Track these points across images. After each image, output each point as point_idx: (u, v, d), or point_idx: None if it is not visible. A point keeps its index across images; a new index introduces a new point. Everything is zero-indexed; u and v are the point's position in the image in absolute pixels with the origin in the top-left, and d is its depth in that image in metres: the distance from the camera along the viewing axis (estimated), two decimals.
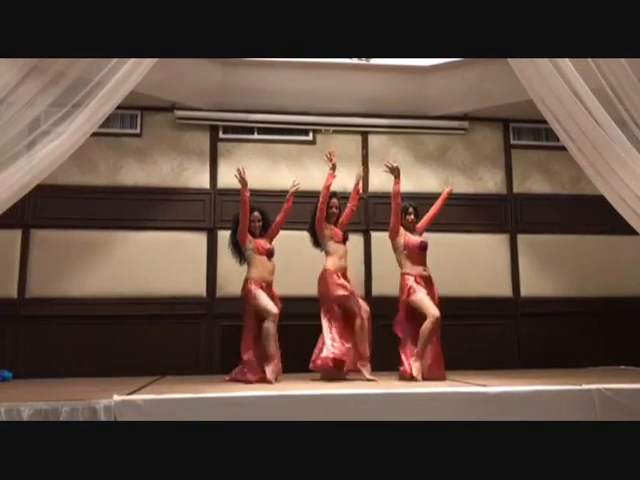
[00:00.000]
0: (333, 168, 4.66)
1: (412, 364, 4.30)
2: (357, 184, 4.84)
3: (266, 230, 4.63)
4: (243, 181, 4.39)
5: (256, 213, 4.57)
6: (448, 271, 5.24)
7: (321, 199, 4.56)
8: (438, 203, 4.81)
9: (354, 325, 4.43)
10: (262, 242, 4.52)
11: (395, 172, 4.53)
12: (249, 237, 4.48)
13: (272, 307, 4.28)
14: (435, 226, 4.88)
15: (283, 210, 4.62)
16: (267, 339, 4.22)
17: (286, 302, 4.56)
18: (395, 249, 4.62)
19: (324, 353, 4.30)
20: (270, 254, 4.51)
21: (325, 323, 4.41)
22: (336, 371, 4.34)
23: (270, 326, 4.23)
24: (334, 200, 4.69)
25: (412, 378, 4.24)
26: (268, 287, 4.44)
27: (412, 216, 4.67)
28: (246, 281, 4.42)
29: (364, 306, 4.52)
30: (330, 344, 4.31)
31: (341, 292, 4.43)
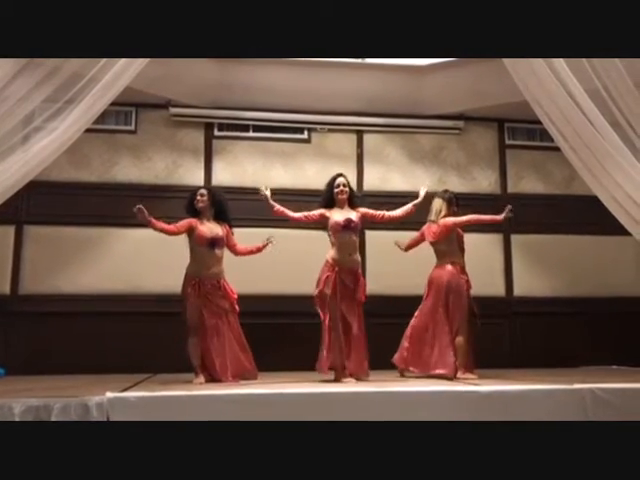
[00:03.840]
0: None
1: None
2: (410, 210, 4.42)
3: (222, 214, 4.34)
4: (146, 220, 4.05)
5: (202, 190, 4.33)
6: None
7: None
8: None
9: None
10: (206, 230, 4.19)
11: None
12: (194, 223, 4.19)
13: (194, 323, 4.08)
14: None
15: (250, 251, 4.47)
16: (190, 353, 4.10)
17: (290, 300, 4.53)
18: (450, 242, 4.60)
19: (319, 361, 4.17)
20: (212, 245, 4.15)
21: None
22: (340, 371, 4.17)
23: (190, 341, 4.10)
24: (341, 179, 4.32)
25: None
26: (211, 282, 4.14)
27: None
28: (184, 277, 4.19)
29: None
30: (324, 352, 4.15)
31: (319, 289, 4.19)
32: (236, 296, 4.31)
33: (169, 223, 4.22)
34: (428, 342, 4.52)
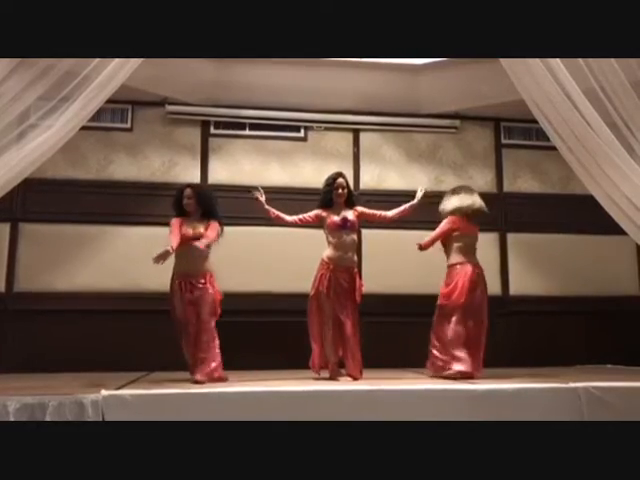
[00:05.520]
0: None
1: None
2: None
3: (210, 212, 4.24)
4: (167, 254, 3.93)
5: (188, 190, 4.22)
6: (437, 269, 5.23)
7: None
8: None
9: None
10: (189, 229, 4.13)
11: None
12: (179, 223, 4.15)
13: (182, 320, 4.09)
14: (425, 224, 4.87)
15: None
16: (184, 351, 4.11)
17: (287, 298, 4.52)
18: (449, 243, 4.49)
19: (311, 361, 4.23)
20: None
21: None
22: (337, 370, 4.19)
23: (183, 339, 4.10)
24: (341, 180, 4.28)
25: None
26: (197, 280, 4.12)
27: None
28: (171, 276, 4.21)
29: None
30: (316, 350, 4.20)
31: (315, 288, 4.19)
32: (221, 297, 4.22)
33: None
34: (470, 344, 4.27)
